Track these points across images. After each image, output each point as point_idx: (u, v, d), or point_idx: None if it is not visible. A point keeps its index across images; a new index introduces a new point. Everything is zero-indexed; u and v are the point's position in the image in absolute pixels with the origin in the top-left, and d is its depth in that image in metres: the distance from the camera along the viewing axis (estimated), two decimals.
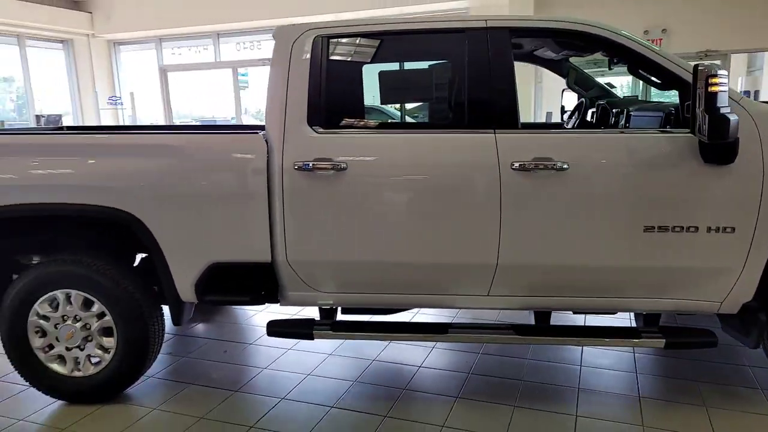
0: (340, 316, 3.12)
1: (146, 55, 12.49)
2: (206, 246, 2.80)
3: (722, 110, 2.31)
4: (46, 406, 2.97)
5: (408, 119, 4.99)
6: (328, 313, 3.06)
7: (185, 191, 2.75)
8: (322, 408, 2.89)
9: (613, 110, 3.59)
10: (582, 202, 2.61)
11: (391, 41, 2.88)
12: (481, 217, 2.65)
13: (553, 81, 5.21)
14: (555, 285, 2.75)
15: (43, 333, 2.90)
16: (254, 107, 12.09)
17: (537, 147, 2.63)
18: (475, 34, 2.74)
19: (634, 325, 3.52)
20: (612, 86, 4.16)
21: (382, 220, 2.70)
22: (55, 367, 2.93)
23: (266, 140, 2.75)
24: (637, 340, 2.77)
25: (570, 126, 4.20)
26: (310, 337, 2.88)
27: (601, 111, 3.76)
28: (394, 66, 3.12)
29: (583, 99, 4.13)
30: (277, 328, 2.93)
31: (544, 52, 3.85)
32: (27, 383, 2.99)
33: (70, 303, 2.87)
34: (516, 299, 2.81)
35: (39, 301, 2.86)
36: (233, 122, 11.79)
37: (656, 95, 7.86)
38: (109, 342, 2.90)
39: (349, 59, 2.94)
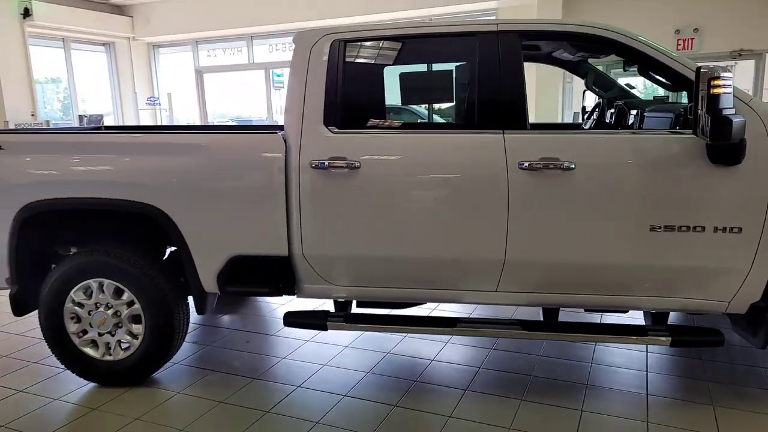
0: (355, 310, 3.25)
1: (183, 57, 12.93)
2: (227, 240, 2.96)
3: (725, 112, 2.34)
4: (79, 387, 3.18)
5: (436, 118, 5.07)
6: (342, 306, 3.19)
7: (208, 188, 2.91)
8: (335, 396, 3.02)
9: (631, 111, 3.62)
10: (587, 202, 2.67)
11: (404, 45, 2.99)
12: (488, 214, 2.74)
13: (582, 82, 5.23)
14: (561, 282, 2.81)
15: (78, 319, 3.12)
16: None
17: (544, 147, 2.70)
18: (486, 38, 2.82)
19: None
20: (631, 87, 4.16)
21: (393, 217, 2.81)
22: (88, 351, 3.14)
23: (285, 140, 2.89)
24: (643, 338, 2.81)
25: (587, 127, 4.23)
26: (324, 328, 3.01)
27: (618, 112, 3.79)
28: (407, 69, 3.22)
29: (600, 100, 4.15)
30: (293, 319, 3.08)
31: (562, 54, 3.90)
32: (63, 366, 3.21)
33: (103, 291, 3.07)
34: (524, 295, 2.88)
35: (74, 289, 3.07)
36: (266, 122, 12.07)
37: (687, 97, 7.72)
38: (138, 329, 3.09)
39: (364, 62, 3.06)
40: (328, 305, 3.92)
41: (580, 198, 2.68)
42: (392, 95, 3.16)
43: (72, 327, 3.12)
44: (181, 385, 3.18)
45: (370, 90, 3.06)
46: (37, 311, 3.17)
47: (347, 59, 2.94)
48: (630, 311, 3.47)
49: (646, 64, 2.88)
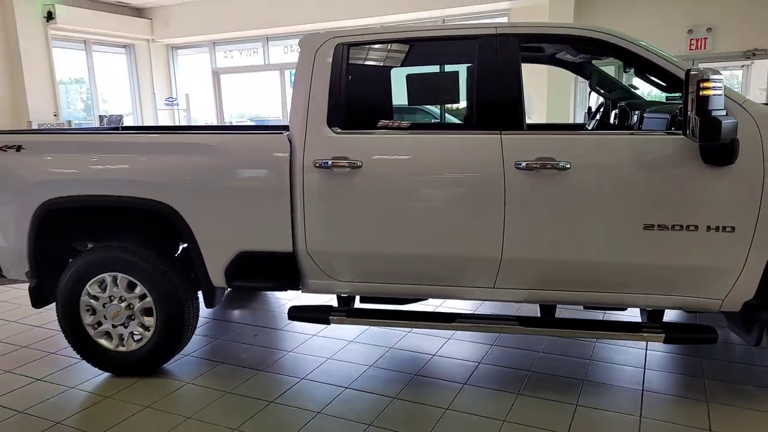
0: (358, 305, 3.35)
1: (201, 58, 13.17)
2: (235, 236, 3.07)
3: (714, 113, 2.39)
4: (93, 377, 3.32)
5: (449, 117, 5.13)
6: (346, 301, 3.29)
7: (216, 186, 3.03)
8: (337, 388, 3.12)
9: (634, 112, 3.66)
10: (582, 201, 2.74)
11: (406, 48, 3.08)
12: (486, 213, 2.82)
13: None
14: (558, 279, 2.88)
15: (93, 311, 3.26)
16: None
17: (540, 147, 2.77)
18: (486, 41, 2.90)
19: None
20: (635, 88, 4.20)
21: (394, 215, 2.90)
22: (103, 342, 3.28)
23: (290, 140, 3.00)
24: (637, 334, 2.86)
25: (591, 127, 4.28)
26: (327, 322, 3.12)
27: (621, 112, 3.83)
28: (409, 71, 3.31)
29: (604, 100, 4.20)
30: (297, 313, 3.19)
31: (565, 56, 3.95)
32: (78, 356, 3.36)
33: (117, 285, 3.21)
34: (521, 292, 2.95)
35: (90, 282, 3.22)
36: (282, 121, 12.24)
37: None
38: (150, 321, 3.22)
39: (366, 65, 3.16)
40: (335, 301, 4.03)
41: (575, 197, 2.74)
42: (394, 97, 3.25)
43: (87, 319, 3.26)
44: (191, 376, 3.31)
45: (372, 92, 3.16)
46: (54, 304, 3.32)
47: (350, 62, 3.04)
48: (629, 309, 3.52)
49: (642, 66, 2.93)
